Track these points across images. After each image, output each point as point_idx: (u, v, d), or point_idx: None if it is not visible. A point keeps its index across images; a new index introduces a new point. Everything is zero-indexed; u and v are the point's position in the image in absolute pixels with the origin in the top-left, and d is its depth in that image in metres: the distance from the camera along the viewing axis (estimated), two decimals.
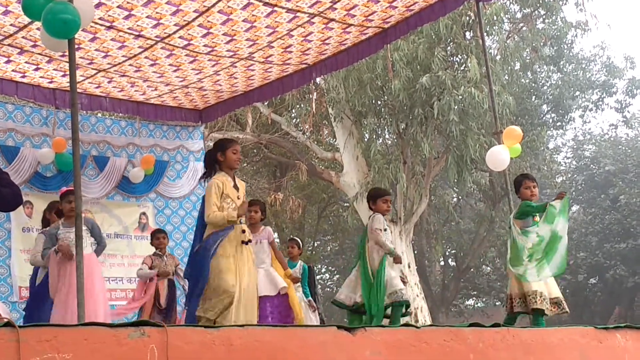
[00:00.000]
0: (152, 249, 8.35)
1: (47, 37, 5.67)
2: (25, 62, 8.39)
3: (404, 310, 6.79)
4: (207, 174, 6.10)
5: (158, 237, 8.52)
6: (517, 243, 6.68)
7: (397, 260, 6.79)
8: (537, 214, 6.76)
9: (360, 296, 6.75)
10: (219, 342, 3.55)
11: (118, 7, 7.12)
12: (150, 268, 8.25)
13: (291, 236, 9.27)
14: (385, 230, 6.80)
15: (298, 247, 8.86)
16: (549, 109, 23.71)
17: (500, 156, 7.76)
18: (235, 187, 5.99)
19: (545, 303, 6.54)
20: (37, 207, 9.19)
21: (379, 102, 16.10)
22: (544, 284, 6.64)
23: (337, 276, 28.36)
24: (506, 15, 17.19)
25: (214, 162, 6.08)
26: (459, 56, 15.51)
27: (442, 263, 27.41)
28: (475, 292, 28.44)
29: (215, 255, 5.79)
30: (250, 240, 6.02)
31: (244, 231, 5.96)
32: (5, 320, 3.05)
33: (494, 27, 15.57)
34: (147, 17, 7.38)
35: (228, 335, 3.61)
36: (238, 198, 5.97)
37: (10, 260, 9.29)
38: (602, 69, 26.54)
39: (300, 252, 8.87)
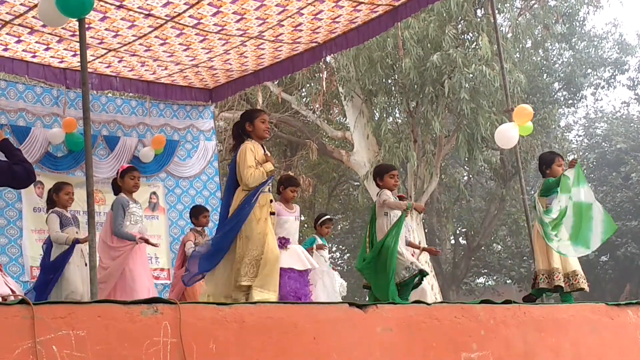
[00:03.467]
0: (163, 229, 8.38)
1: (49, 11, 5.65)
2: (36, 42, 8.40)
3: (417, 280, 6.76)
4: (236, 145, 6.04)
5: (206, 215, 8.59)
6: (542, 222, 6.69)
7: (419, 209, 6.76)
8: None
9: None
10: (232, 319, 3.57)
11: None
12: (193, 242, 8.31)
13: (328, 215, 9.36)
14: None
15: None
16: (560, 86, 23.58)
17: (508, 134, 7.73)
18: (268, 156, 5.96)
19: (562, 280, 6.58)
20: (48, 187, 9.14)
21: (390, 81, 16.03)
22: (563, 259, 6.65)
23: (348, 255, 28.40)
24: None
25: (243, 132, 6.02)
26: (470, 34, 15.41)
27: (452, 241, 27.39)
28: (485, 271, 28.43)
29: (249, 219, 5.75)
30: (274, 213, 6.04)
31: (271, 201, 5.97)
32: (20, 297, 3.08)
33: (506, 5, 15.44)
34: None
35: (240, 312, 3.64)
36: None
37: (21, 240, 9.34)
38: (614, 46, 26.34)
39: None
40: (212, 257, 5.83)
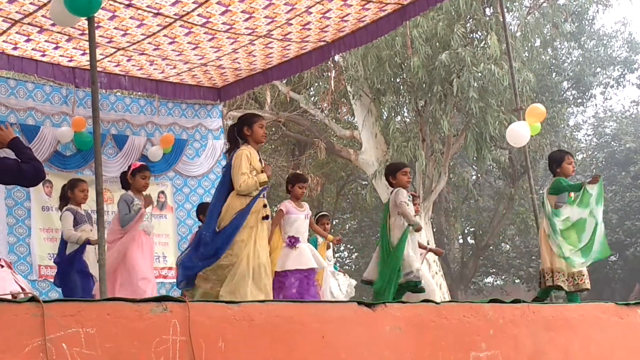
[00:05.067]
0: (171, 228, 8.39)
1: (59, 10, 5.67)
2: (45, 41, 8.42)
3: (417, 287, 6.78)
4: (232, 148, 6.01)
5: None
6: (550, 220, 6.69)
7: (419, 229, 6.77)
8: (572, 192, 6.78)
9: None
10: (240, 318, 3.57)
11: None
12: None
13: (323, 212, 9.39)
14: (407, 204, 6.78)
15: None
16: (569, 85, 23.51)
17: (520, 132, 7.71)
18: (261, 161, 5.94)
19: (562, 279, 6.58)
20: (57, 186, 9.22)
21: (398, 80, 16.01)
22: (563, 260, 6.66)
23: (356, 254, 28.41)
24: None
25: (239, 136, 5.99)
26: (478, 33, 15.38)
27: (461, 241, 27.36)
28: (494, 270, 28.41)
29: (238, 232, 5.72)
30: (268, 216, 6.02)
31: (265, 205, 5.91)
32: (30, 295, 3.08)
33: (514, 3, 15.41)
34: None
35: (249, 310, 3.64)
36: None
37: (30, 239, 9.36)
38: (624, 45, 26.26)
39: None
40: (199, 257, 5.80)
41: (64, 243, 7.49)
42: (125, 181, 7.36)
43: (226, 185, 5.87)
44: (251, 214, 5.76)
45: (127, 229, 7.04)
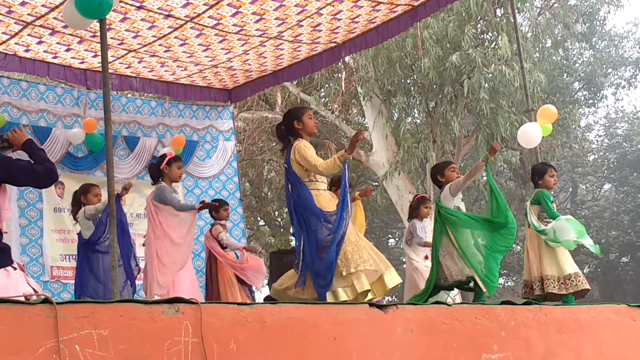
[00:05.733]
0: None
1: (72, 14, 5.70)
2: (57, 43, 8.45)
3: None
4: (285, 146, 5.83)
5: (226, 208, 8.65)
6: (539, 231, 6.77)
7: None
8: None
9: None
10: (252, 319, 3.58)
11: None
12: (217, 238, 8.37)
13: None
14: (458, 207, 6.71)
15: None
16: (580, 86, 23.42)
17: (532, 133, 7.69)
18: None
19: (552, 286, 6.61)
20: (69, 187, 9.28)
21: (409, 81, 15.99)
22: (555, 266, 6.68)
23: None
24: None
25: (290, 133, 5.82)
26: (489, 34, 15.34)
27: None
28: (505, 271, 28.29)
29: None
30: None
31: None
32: (43, 297, 3.10)
33: (525, 4, 15.34)
34: None
35: (260, 312, 3.64)
36: None
37: (42, 240, 9.41)
38: (635, 46, 26.13)
39: None
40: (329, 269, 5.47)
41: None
42: (157, 172, 7.26)
43: (298, 181, 5.65)
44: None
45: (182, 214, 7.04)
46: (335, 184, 7.10)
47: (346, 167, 5.53)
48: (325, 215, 5.50)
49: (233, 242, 8.60)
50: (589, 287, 6.70)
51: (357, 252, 5.46)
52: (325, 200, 5.64)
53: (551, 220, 6.81)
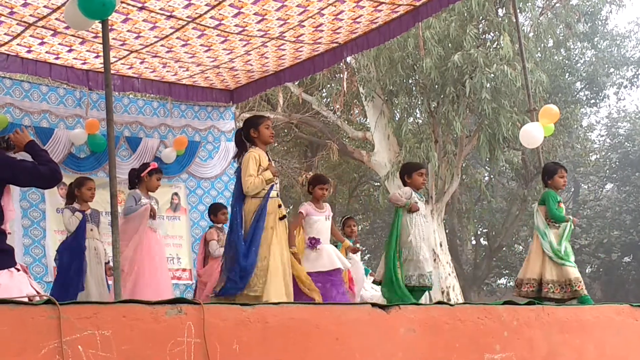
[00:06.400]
0: (185, 229, 8.43)
1: (74, 14, 5.70)
2: (59, 44, 8.46)
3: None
4: (239, 153, 6.07)
5: (224, 212, 8.65)
6: (543, 232, 6.78)
7: (414, 208, 6.74)
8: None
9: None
10: (255, 320, 3.58)
11: None
12: (217, 241, 8.38)
13: (349, 215, 9.47)
14: (416, 202, 6.78)
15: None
16: (582, 86, 23.41)
17: (534, 133, 7.69)
18: (270, 162, 5.97)
19: (552, 291, 6.64)
20: None
21: (410, 81, 16.00)
22: (556, 270, 6.70)
23: (368, 255, 28.38)
24: None
25: (246, 139, 6.04)
26: (491, 33, 15.35)
27: (473, 242, 27.28)
28: (507, 271, 28.31)
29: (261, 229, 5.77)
30: (285, 216, 6.03)
31: (280, 206, 5.96)
32: (46, 297, 3.10)
33: (527, 4, 15.36)
34: None
35: (263, 312, 3.64)
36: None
37: (45, 240, 9.42)
38: (637, 45, 26.16)
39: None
40: (245, 275, 5.75)
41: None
42: (135, 179, 7.37)
43: (240, 190, 5.91)
44: (268, 215, 5.81)
45: (129, 219, 7.07)
46: (312, 182, 7.28)
47: (271, 190, 5.87)
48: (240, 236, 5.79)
49: (218, 256, 8.54)
50: (586, 294, 6.72)
51: (261, 276, 5.73)
52: (272, 208, 5.88)
53: (555, 222, 6.81)
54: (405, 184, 6.96)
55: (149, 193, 7.42)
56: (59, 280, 7.35)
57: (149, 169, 7.34)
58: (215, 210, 8.73)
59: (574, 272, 6.69)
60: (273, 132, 6.16)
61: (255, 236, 5.73)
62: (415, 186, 6.84)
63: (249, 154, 5.89)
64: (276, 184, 6.04)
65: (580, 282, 6.65)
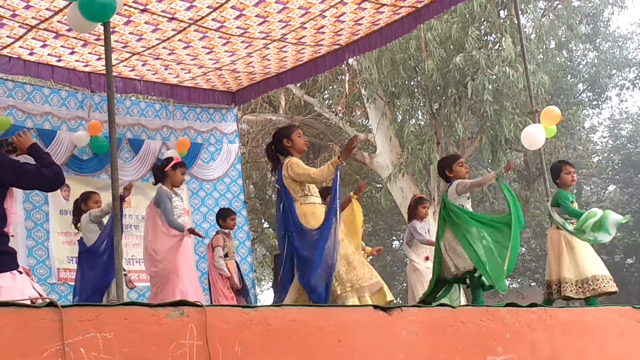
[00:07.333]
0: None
1: (76, 18, 5.71)
2: (61, 46, 8.47)
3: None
4: (276, 165, 5.91)
5: (233, 217, 8.66)
6: (564, 225, 6.69)
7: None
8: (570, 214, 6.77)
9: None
10: (257, 322, 3.58)
11: None
12: (222, 247, 8.40)
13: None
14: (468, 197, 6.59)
15: None
16: (584, 87, 23.40)
17: (536, 135, 7.68)
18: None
19: (570, 289, 6.54)
20: (74, 190, 9.30)
21: (412, 83, 16.00)
22: (573, 268, 6.61)
23: (370, 258, 28.33)
24: None
25: (279, 151, 5.92)
26: (493, 35, 15.35)
27: None
28: (510, 273, 28.32)
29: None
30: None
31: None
32: (48, 300, 3.10)
33: (529, 6, 15.35)
34: None
35: (265, 315, 3.64)
36: None
37: (48, 242, 9.43)
38: (639, 47, 26.11)
39: None
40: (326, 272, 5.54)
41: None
42: (160, 174, 7.33)
43: (288, 198, 5.72)
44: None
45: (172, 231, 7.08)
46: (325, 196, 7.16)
47: (338, 174, 5.62)
48: (312, 233, 5.57)
49: (219, 267, 8.53)
50: (612, 289, 6.57)
51: (351, 270, 5.55)
52: (320, 214, 5.70)
53: (574, 219, 6.70)
54: (447, 179, 6.62)
55: (174, 188, 7.37)
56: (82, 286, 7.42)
57: (172, 162, 7.30)
58: (224, 215, 8.74)
59: (590, 269, 6.60)
60: (306, 140, 6.09)
61: (327, 234, 5.52)
62: (459, 177, 6.52)
63: (289, 159, 5.77)
64: (341, 166, 5.75)
65: (598, 280, 6.53)
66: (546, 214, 7.53)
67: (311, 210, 5.70)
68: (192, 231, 7.27)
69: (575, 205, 6.93)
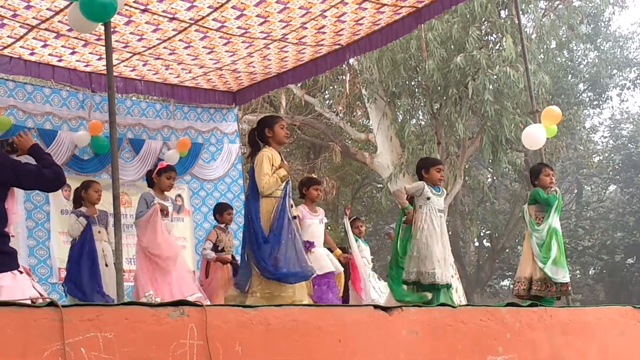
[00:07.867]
0: (188, 231, 8.42)
1: (77, 17, 5.72)
2: (62, 46, 8.47)
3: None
4: (253, 153, 6.01)
5: (230, 212, 8.63)
6: (532, 226, 6.95)
7: (409, 219, 6.71)
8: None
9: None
10: (257, 322, 3.58)
11: None
12: (215, 243, 8.34)
13: (356, 216, 9.55)
14: (429, 199, 6.73)
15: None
16: (585, 87, 23.40)
17: (536, 135, 7.70)
18: (283, 162, 5.94)
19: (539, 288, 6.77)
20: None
21: (413, 83, 16.00)
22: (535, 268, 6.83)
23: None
24: None
25: (260, 139, 6.01)
26: (493, 35, 15.35)
27: (476, 244, 27.26)
28: (510, 273, 28.26)
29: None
30: (296, 217, 6.02)
31: (292, 206, 5.94)
32: (49, 300, 3.10)
33: (530, 5, 15.35)
34: None
35: (265, 314, 3.65)
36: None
37: (49, 242, 9.43)
38: None
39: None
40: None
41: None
42: (151, 180, 7.35)
43: (255, 190, 5.85)
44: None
45: (139, 224, 7.04)
46: (305, 184, 7.31)
47: (287, 187, 5.84)
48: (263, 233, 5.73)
49: (206, 254, 8.51)
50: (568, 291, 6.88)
51: None
52: (275, 213, 5.81)
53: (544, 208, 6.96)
54: (421, 179, 6.89)
55: (165, 193, 7.36)
56: (76, 286, 7.37)
57: (157, 169, 7.32)
58: (221, 209, 8.72)
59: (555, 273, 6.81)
60: (288, 132, 6.15)
61: (276, 235, 5.68)
62: (432, 182, 6.80)
63: (263, 153, 5.86)
64: (289, 181, 5.99)
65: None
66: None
67: (272, 205, 5.80)
68: (162, 208, 7.23)
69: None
